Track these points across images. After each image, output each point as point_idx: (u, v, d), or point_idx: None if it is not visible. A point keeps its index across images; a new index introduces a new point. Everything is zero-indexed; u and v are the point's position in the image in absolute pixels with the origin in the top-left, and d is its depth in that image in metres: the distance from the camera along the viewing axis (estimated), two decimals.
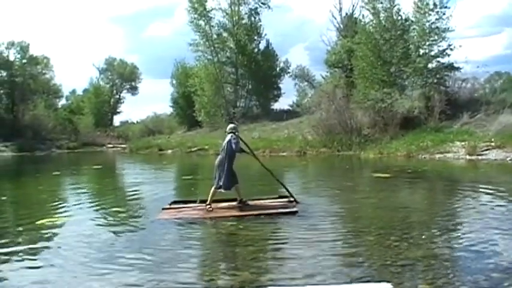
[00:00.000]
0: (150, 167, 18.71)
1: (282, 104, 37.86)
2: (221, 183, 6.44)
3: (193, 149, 27.16)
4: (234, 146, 6.45)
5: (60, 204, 8.02)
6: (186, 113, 37.65)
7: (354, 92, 22.92)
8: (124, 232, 5.57)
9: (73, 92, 56.40)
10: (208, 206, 6.45)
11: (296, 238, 5.01)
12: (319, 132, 21.65)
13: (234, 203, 6.72)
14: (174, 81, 40.05)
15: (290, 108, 37.51)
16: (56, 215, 6.82)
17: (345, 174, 12.59)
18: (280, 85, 36.80)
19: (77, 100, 50.83)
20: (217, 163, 6.53)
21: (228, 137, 6.64)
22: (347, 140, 20.22)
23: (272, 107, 37.31)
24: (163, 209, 6.58)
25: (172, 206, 6.82)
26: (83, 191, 10.39)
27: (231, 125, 6.87)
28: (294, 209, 6.25)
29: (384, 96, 20.42)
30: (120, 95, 52.09)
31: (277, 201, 6.93)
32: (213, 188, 6.49)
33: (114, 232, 5.56)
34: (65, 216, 6.72)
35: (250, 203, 6.72)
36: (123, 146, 38.01)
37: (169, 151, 28.79)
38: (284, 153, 21.20)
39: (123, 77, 50.47)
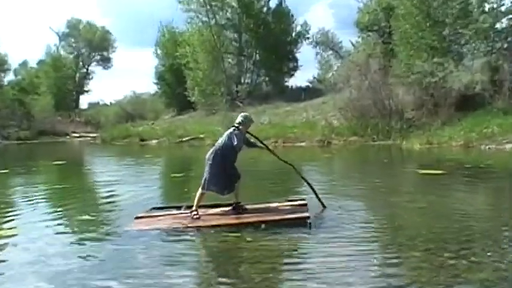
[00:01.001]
0: (129, 162, 18.88)
1: (300, 79, 38.05)
2: (214, 187, 6.47)
3: (184, 139, 27.22)
4: (235, 141, 6.45)
5: (6, 212, 7.95)
6: (175, 92, 37.88)
7: (394, 62, 22.86)
8: (90, 248, 5.54)
9: (24, 64, 56.59)
10: (194, 213, 6.47)
11: (319, 253, 4.99)
12: (348, 116, 21.72)
13: (228, 208, 6.75)
14: (159, 51, 40.29)
15: (310, 85, 37.64)
16: None
17: (382, 171, 12.63)
18: (297, 55, 37.00)
19: (30, 75, 50.99)
20: (209, 158, 6.53)
21: (231, 129, 6.65)
22: (384, 126, 20.26)
23: (286, 83, 37.60)
24: (136, 218, 6.63)
25: (148, 214, 6.88)
26: (39, 194, 10.38)
27: (244, 114, 6.82)
28: (304, 214, 6.23)
29: (434, 68, 20.18)
30: (88, 69, 52.43)
31: (285, 205, 6.88)
32: (199, 190, 6.51)
33: (76, 250, 5.51)
34: (11, 229, 6.66)
35: (249, 207, 6.72)
36: (93, 135, 38.40)
37: (154, 141, 28.97)
38: (302, 144, 21.28)
39: (91, 45, 50.56)
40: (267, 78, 37.05)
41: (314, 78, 38.16)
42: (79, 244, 5.74)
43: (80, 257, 5.21)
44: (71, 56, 50.39)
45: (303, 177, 7.41)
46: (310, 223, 5.98)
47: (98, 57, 52.03)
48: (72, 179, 13.69)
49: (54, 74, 46.36)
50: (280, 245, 5.34)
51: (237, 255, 5.12)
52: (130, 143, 29.49)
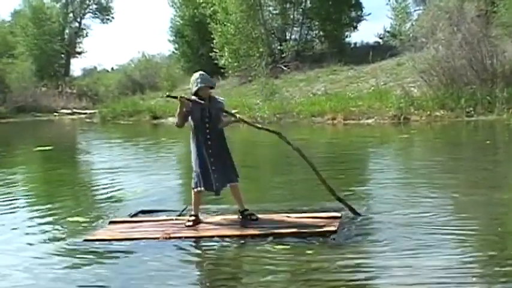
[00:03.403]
0: (137, 147, 19.11)
1: (366, 34, 37.67)
2: (223, 181, 6.53)
3: None
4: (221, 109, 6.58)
5: None
6: (198, 54, 38.02)
7: (500, 6, 22.05)
8: (80, 257, 5.73)
9: None
10: (191, 219, 6.58)
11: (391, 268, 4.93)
12: (433, 83, 21.44)
13: (231, 217, 6.82)
14: None
15: (380, 40, 37.09)
16: None
17: (482, 156, 12.28)
18: (362, 0, 36.17)
19: (2, 32, 51.29)
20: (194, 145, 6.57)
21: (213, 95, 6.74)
22: (485, 95, 19.96)
23: (348, 39, 36.98)
24: (111, 222, 6.92)
25: (127, 218, 7.13)
26: (20, 188, 10.61)
27: (201, 74, 6.53)
28: (331, 228, 6.19)
29: None
30: (80, 23, 52.92)
31: (307, 217, 6.79)
32: (194, 190, 6.58)
33: (62, 261, 5.69)
34: None
35: (262, 217, 6.77)
36: (89, 111, 38.97)
37: (171, 119, 29.23)
38: (369, 121, 21.15)
39: None
40: (321, 33, 36.63)
41: (386, 31, 37.47)
42: (68, 254, 5.91)
43: (65, 266, 5.52)
44: (58, 5, 50.05)
45: (316, 171, 6.84)
46: (334, 239, 5.97)
47: (94, 7, 51.92)
48: (61, 169, 13.88)
49: (35, 29, 45.74)
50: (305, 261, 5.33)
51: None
52: (139, 122, 29.86)
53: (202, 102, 6.32)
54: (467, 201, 7.72)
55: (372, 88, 24.46)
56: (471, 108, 19.88)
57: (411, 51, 24.14)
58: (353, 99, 23.01)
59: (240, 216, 6.63)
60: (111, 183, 10.46)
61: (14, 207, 8.60)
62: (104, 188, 10.12)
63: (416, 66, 22.75)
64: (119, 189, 9.78)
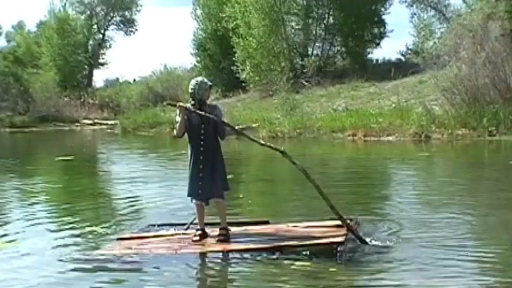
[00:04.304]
0: (158, 159, 19.13)
1: (388, 50, 37.47)
2: (210, 191, 6.42)
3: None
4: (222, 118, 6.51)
5: None
6: (220, 67, 38.10)
7: None
8: (90, 268, 5.75)
9: (19, 26, 58.08)
10: (198, 233, 6.49)
11: None
12: (456, 101, 21.25)
13: (235, 229, 6.74)
14: (199, 12, 40.59)
15: (402, 58, 36.97)
16: None
17: (504, 178, 12.07)
18: (385, 17, 36.20)
19: (27, 42, 51.90)
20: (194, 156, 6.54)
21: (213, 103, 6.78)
22: (508, 115, 19.67)
23: (370, 56, 36.90)
24: (119, 239, 6.85)
25: (134, 234, 7.06)
26: (40, 198, 10.66)
27: (202, 80, 6.50)
28: (338, 239, 6.05)
29: None
30: (104, 34, 53.41)
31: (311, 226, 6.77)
32: (195, 201, 6.53)
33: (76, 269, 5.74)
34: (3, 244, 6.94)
35: (269, 227, 6.85)
36: (110, 122, 39.17)
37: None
38: (390, 138, 21.04)
39: (109, 1, 51.10)
40: (343, 49, 36.57)
41: (408, 49, 37.38)
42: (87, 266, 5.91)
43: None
44: (82, 17, 50.55)
45: (308, 176, 6.54)
46: (339, 251, 5.84)
47: (118, 19, 52.40)
48: (82, 179, 13.98)
49: (60, 40, 45.89)
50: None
51: None
52: (160, 133, 29.96)
53: (202, 113, 6.24)
54: (488, 222, 7.64)
55: (393, 105, 24.30)
56: (493, 128, 19.68)
57: (433, 69, 23.99)
58: (374, 116, 22.86)
59: (219, 232, 6.49)
60: (131, 194, 10.53)
61: (34, 216, 8.62)
62: (123, 199, 10.19)
63: (438, 84, 22.60)
64: (138, 201, 9.87)
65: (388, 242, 6.35)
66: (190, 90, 6.39)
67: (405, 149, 18.90)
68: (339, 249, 5.87)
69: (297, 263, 5.73)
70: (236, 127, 7.37)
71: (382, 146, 19.90)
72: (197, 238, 6.42)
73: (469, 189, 10.59)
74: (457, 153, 17.74)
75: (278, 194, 10.93)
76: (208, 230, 6.58)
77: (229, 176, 6.63)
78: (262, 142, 6.69)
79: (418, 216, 7.81)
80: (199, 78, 6.51)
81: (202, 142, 6.39)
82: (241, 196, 9.86)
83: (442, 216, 7.83)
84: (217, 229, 6.49)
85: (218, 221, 6.56)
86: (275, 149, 6.53)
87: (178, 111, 6.41)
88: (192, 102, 6.39)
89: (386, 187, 11.87)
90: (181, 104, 6.45)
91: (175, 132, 6.52)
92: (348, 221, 6.48)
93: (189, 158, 6.55)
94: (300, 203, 9.23)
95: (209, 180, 6.37)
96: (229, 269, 5.83)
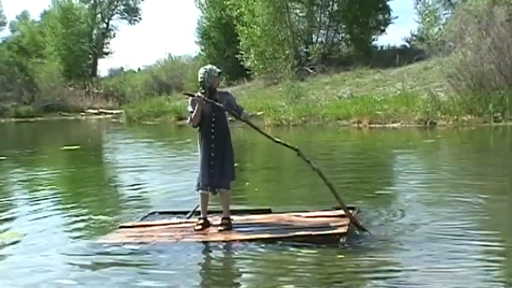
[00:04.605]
0: (163, 148, 19.15)
1: (393, 37, 37.38)
2: (219, 181, 6.38)
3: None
4: (236, 106, 6.54)
5: (3, 210, 8.32)
6: (224, 55, 38.03)
7: None
8: (95, 257, 5.73)
9: (23, 16, 58.06)
10: (200, 222, 6.47)
11: None
12: (461, 87, 21.14)
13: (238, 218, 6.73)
14: (203, 0, 40.42)
15: (407, 44, 36.84)
16: None
17: (510, 163, 12.17)
18: (390, 3, 36.05)
19: (32, 31, 51.99)
20: (205, 143, 6.44)
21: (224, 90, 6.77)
22: None
23: (375, 42, 36.77)
24: (121, 227, 6.82)
25: (137, 223, 7.02)
26: (46, 186, 10.68)
27: (211, 68, 6.51)
28: (340, 230, 6.03)
29: None
30: (108, 23, 53.44)
31: (313, 216, 6.75)
32: (200, 191, 6.48)
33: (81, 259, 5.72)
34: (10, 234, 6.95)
35: (271, 216, 6.80)
36: (115, 111, 39.20)
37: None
38: (395, 125, 21.02)
39: None
40: (347, 36, 36.46)
41: (413, 35, 37.28)
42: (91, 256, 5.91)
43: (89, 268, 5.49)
44: (86, 6, 50.61)
45: (322, 177, 6.44)
46: (343, 243, 5.80)
47: (122, 8, 52.37)
48: (88, 168, 14.05)
49: (64, 29, 46.04)
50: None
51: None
52: (165, 122, 29.98)
53: (221, 105, 6.25)
54: (494, 207, 7.62)
55: (398, 92, 24.23)
56: (499, 114, 19.62)
57: (439, 55, 23.88)
58: (379, 103, 22.83)
59: (221, 222, 6.47)
60: (136, 183, 10.63)
61: (40, 206, 8.65)
62: (127, 187, 10.33)
63: (443, 71, 22.52)
64: (143, 189, 9.96)
65: (393, 229, 6.33)
66: (199, 79, 6.38)
67: (410, 136, 18.87)
68: (341, 240, 5.84)
69: (303, 250, 5.70)
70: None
71: (387, 133, 19.92)
72: (199, 227, 6.40)
73: (475, 175, 10.51)
74: (463, 140, 17.71)
75: (283, 182, 10.90)
76: (210, 218, 6.56)
77: (235, 165, 6.60)
78: (277, 140, 6.55)
79: (423, 203, 7.77)
80: (208, 66, 6.50)
81: (213, 130, 6.37)
82: (246, 183, 9.86)
83: (447, 202, 7.82)
84: (219, 218, 6.48)
85: (220, 209, 6.53)
86: (290, 146, 6.49)
87: (190, 101, 6.40)
88: (202, 90, 6.36)
89: (391, 174, 11.86)
90: (199, 94, 6.39)
91: (189, 122, 6.43)
92: (350, 211, 6.48)
93: (199, 147, 6.49)
94: (305, 191, 9.23)
95: (219, 170, 6.35)
96: (233, 257, 5.82)
